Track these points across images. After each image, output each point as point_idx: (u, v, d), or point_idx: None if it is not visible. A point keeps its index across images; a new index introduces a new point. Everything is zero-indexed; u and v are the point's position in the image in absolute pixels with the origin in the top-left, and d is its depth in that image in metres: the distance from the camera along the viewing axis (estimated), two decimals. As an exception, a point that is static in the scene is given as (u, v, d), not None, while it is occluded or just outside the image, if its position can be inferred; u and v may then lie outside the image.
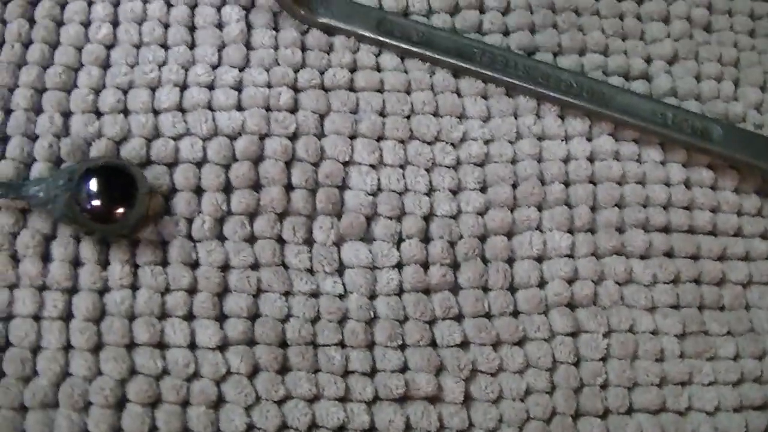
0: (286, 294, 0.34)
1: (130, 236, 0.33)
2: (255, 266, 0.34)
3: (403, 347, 0.34)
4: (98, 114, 0.35)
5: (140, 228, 0.33)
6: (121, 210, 0.32)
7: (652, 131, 0.38)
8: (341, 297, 0.34)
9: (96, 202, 0.32)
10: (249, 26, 0.38)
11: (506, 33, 0.40)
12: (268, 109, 0.36)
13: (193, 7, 0.38)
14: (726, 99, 0.41)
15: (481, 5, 0.41)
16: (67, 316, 0.32)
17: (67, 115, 0.35)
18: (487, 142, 0.38)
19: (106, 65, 0.36)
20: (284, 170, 0.35)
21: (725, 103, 0.41)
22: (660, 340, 0.36)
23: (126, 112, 0.35)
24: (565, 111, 0.39)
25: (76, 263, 0.33)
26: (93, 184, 0.32)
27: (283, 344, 0.33)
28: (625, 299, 0.37)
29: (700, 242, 0.38)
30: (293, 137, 0.36)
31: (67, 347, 0.32)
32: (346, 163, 0.36)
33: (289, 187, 0.35)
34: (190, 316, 0.33)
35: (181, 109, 0.36)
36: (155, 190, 0.34)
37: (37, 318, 0.32)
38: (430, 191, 0.36)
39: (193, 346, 0.33)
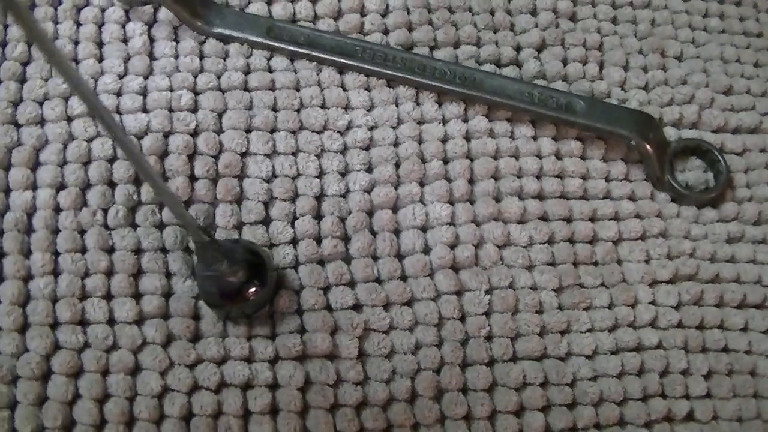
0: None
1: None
2: (164, 250, 0.38)
3: (299, 312, 0.38)
4: (17, 126, 0.39)
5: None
6: (253, 289, 0.35)
7: (522, 109, 0.43)
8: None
9: (233, 283, 0.35)
10: (152, 39, 0.42)
11: (386, 32, 0.45)
12: (170, 110, 0.40)
13: (100, 25, 0.42)
14: (591, 78, 0.46)
15: (362, 8, 0.45)
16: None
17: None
18: (371, 128, 0.42)
19: (22, 80, 0.41)
20: (187, 163, 0.39)
21: (590, 82, 0.46)
22: (539, 294, 0.40)
23: (42, 122, 0.40)
24: (442, 97, 0.43)
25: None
26: (232, 266, 0.34)
27: (195, 317, 0.37)
28: (505, 260, 0.41)
29: (571, 206, 0.42)
30: (194, 134, 0.40)
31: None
32: (243, 154, 0.40)
33: (192, 178, 0.39)
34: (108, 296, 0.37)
35: (91, 115, 0.40)
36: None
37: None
38: (320, 174, 0.41)
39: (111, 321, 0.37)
